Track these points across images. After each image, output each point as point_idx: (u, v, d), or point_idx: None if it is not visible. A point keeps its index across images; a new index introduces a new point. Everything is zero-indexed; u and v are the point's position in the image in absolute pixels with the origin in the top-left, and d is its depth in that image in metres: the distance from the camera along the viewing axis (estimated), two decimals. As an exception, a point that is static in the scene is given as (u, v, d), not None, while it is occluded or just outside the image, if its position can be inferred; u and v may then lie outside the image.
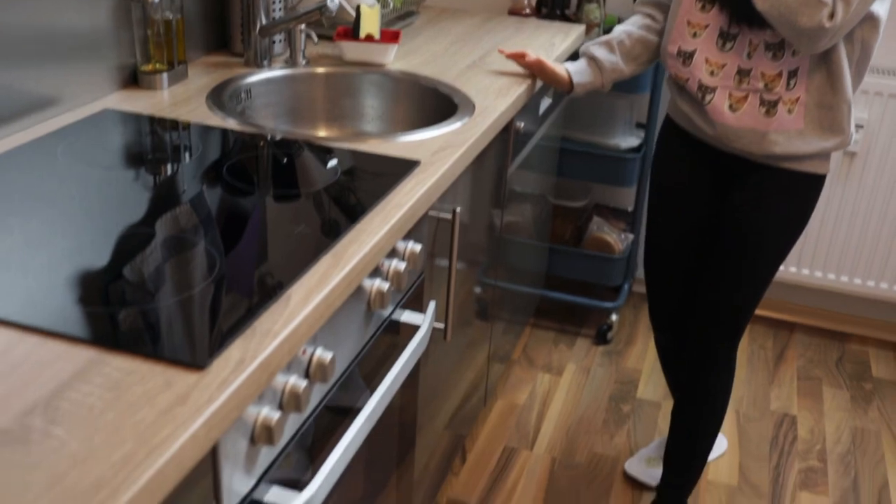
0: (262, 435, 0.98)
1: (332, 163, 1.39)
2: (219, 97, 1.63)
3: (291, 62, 1.84)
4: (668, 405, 2.47)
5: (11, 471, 0.74)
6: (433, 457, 1.87)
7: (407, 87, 1.82)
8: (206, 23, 1.86)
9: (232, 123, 1.51)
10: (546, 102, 2.21)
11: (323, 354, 1.09)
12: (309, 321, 1.02)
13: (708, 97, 1.72)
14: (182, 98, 1.63)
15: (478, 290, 1.97)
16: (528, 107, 2.01)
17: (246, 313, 0.98)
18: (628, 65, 1.85)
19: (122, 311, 0.96)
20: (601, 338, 2.72)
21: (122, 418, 0.81)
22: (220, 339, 0.93)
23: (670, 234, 1.92)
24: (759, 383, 2.59)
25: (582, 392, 2.51)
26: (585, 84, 1.86)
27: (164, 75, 1.65)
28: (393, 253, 1.33)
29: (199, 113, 1.56)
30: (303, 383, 1.03)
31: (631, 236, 2.73)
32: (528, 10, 2.57)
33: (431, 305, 1.45)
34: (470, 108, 1.68)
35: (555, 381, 2.55)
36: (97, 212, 1.18)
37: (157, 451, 0.78)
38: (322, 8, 1.67)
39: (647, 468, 2.19)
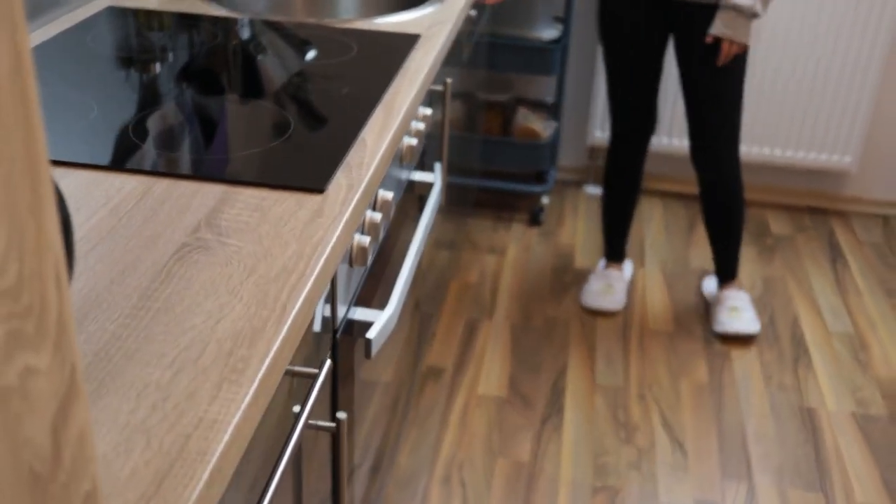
0: (359, 257, 1.13)
1: (348, 41, 1.52)
2: (207, -7, 1.72)
3: (258, -39, 1.94)
4: (603, 272, 2.72)
5: (209, 268, 0.88)
6: (412, 331, 2.04)
7: (373, -22, 1.95)
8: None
9: (235, 14, 1.61)
10: (483, -5, 2.37)
11: (385, 194, 1.24)
12: (385, 157, 1.17)
13: None
14: (173, -5, 1.71)
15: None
16: (473, -3, 2.17)
17: (337, 152, 1.12)
18: None
19: (236, 157, 1.09)
20: (535, 219, 2.95)
21: (277, 228, 0.96)
22: (328, 170, 1.07)
23: (629, 69, 2.31)
24: (678, 247, 2.87)
25: (526, 267, 2.73)
26: None
27: (152, -26, 1.72)
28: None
29: (197, 7, 1.65)
30: (378, 216, 1.19)
31: (554, 124, 2.95)
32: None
33: (437, 166, 1.62)
34: (439, -7, 1.82)
35: (500, 261, 2.76)
36: (158, 88, 1.28)
37: (320, 247, 0.93)
38: None
39: (599, 297, 2.49)
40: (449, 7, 1.75)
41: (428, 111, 1.52)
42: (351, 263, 1.13)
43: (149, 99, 1.24)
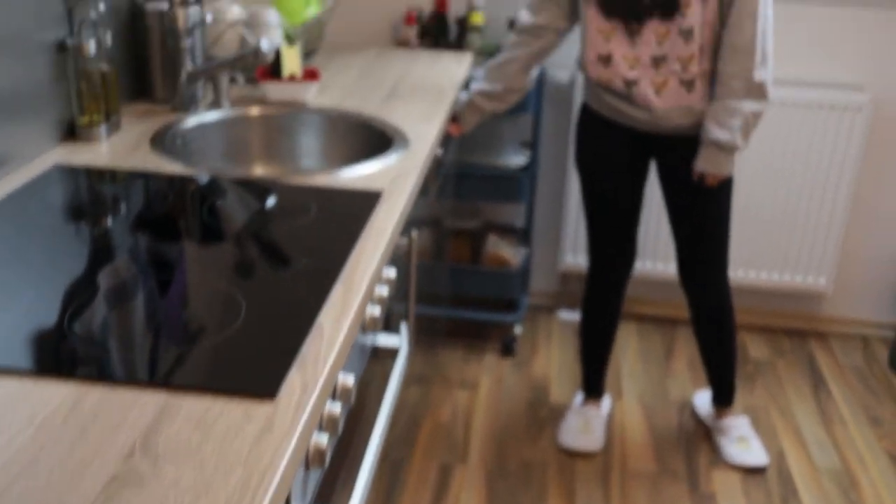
0: (316, 459, 1.02)
1: (307, 200, 1.44)
2: (161, 145, 1.65)
3: (216, 106, 1.87)
4: (580, 405, 2.62)
5: (141, 509, 0.77)
6: (381, 482, 1.92)
7: (337, 123, 1.89)
8: (127, 71, 1.86)
9: (188, 169, 1.54)
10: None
11: (346, 379, 1.15)
12: (344, 345, 1.08)
13: (634, 89, 2.05)
14: (125, 148, 1.63)
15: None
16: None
17: (291, 344, 1.03)
18: (513, 94, 2.22)
19: (180, 354, 0.99)
20: (507, 350, 2.85)
21: (222, 449, 0.85)
22: (280, 369, 0.98)
23: (610, 202, 2.26)
24: (655, 376, 2.78)
25: (499, 403, 2.62)
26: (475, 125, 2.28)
27: (103, 127, 1.65)
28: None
29: (148, 161, 1.57)
30: (337, 407, 1.09)
31: (525, 250, 2.88)
32: (413, 42, 2.68)
33: (404, 326, 1.53)
34: (403, 138, 1.76)
35: (472, 396, 2.65)
36: (91, 266, 1.19)
37: (269, 474, 0.82)
38: (256, 50, 1.71)
39: (577, 436, 2.41)
40: (414, 154, 1.68)
41: (392, 273, 1.43)
42: (307, 466, 1.03)
43: (91, 274, 1.15)
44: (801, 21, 2.73)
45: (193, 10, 1.83)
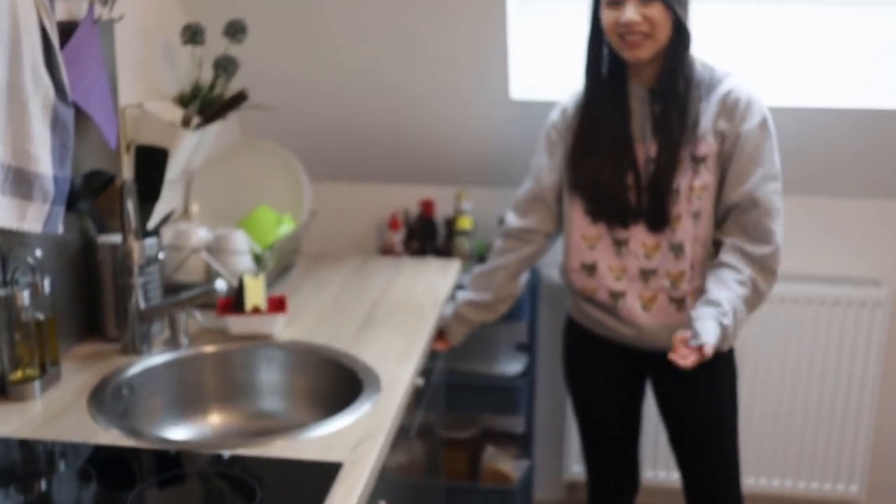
0: None
1: (251, 480, 1.25)
2: (101, 402, 1.47)
3: (173, 343, 1.71)
4: None
5: None
6: None
7: (304, 358, 1.72)
8: (75, 309, 1.71)
9: (123, 439, 1.35)
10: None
11: None
12: None
13: (620, 301, 1.89)
14: (59, 407, 1.46)
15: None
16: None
17: None
18: (503, 303, 2.08)
19: None
20: (510, 576, 2.59)
21: None
22: None
23: (603, 425, 2.07)
24: None
25: None
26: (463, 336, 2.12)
27: (37, 383, 1.48)
28: (327, 577, 1.18)
29: (81, 426, 1.39)
30: None
31: (525, 462, 2.66)
32: (399, 248, 2.55)
33: None
34: (375, 382, 1.59)
35: None
36: None
37: None
38: (210, 290, 1.56)
39: None
40: (385, 405, 1.50)
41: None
42: None
43: None
44: (813, 214, 2.60)
45: (150, 243, 1.70)
